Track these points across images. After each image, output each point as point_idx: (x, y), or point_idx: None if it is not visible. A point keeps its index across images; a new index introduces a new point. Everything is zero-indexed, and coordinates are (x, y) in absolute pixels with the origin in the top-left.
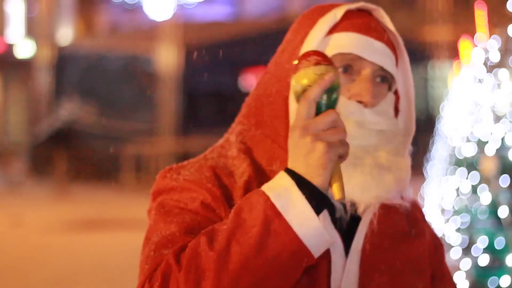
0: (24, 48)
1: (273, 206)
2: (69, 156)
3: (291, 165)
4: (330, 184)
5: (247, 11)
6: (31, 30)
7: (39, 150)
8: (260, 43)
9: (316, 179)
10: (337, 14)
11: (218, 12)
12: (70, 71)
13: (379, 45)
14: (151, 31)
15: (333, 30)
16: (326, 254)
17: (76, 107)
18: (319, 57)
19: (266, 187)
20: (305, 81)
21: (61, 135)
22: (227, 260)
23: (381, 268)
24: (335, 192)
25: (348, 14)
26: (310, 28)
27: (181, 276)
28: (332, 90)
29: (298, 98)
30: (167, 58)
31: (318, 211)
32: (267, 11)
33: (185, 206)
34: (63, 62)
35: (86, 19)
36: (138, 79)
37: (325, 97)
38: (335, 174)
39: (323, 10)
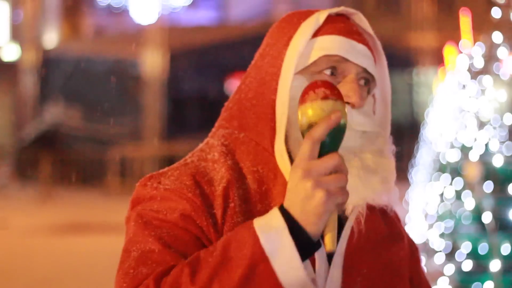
0: (10, 51)
1: (261, 249)
2: (54, 159)
3: (287, 204)
4: (323, 233)
5: (232, 16)
6: (17, 33)
7: (24, 153)
8: (245, 48)
9: (310, 226)
10: (319, 18)
11: (204, 16)
12: (55, 74)
13: (361, 47)
14: (136, 35)
15: (316, 33)
16: (311, 259)
17: (61, 111)
18: (327, 90)
19: (258, 225)
20: (311, 117)
21: (46, 139)
22: None
23: (363, 272)
24: (327, 243)
25: (329, 19)
26: (293, 32)
27: None
28: (338, 129)
29: (303, 132)
30: (153, 62)
31: (306, 256)
32: (252, 16)
33: (164, 217)
34: (49, 66)
35: (72, 23)
36: (124, 83)
37: (330, 136)
38: (329, 223)
39: (303, 14)
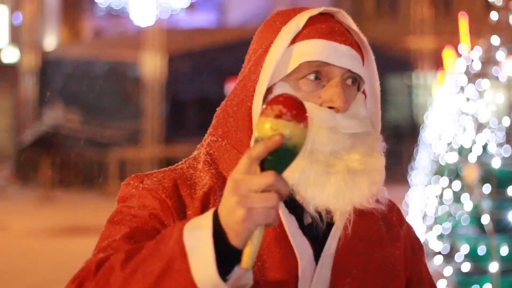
0: (9, 54)
1: (182, 245)
2: (54, 161)
3: (219, 209)
4: (243, 247)
5: (231, 18)
6: (16, 36)
7: (24, 156)
8: (244, 50)
9: (230, 239)
10: (299, 22)
11: (203, 19)
12: (55, 77)
13: (344, 48)
14: (136, 38)
15: (296, 38)
16: (293, 262)
17: (61, 113)
18: (284, 109)
19: (189, 222)
20: (260, 132)
21: (46, 141)
22: (129, 286)
23: (353, 273)
24: (243, 258)
25: (310, 20)
26: (274, 37)
27: (90, 286)
28: (284, 151)
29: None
30: (152, 65)
31: (227, 264)
32: (251, 18)
33: (136, 212)
34: (48, 68)
35: (71, 25)
36: (123, 85)
37: (274, 156)
38: (251, 239)
39: (285, 16)
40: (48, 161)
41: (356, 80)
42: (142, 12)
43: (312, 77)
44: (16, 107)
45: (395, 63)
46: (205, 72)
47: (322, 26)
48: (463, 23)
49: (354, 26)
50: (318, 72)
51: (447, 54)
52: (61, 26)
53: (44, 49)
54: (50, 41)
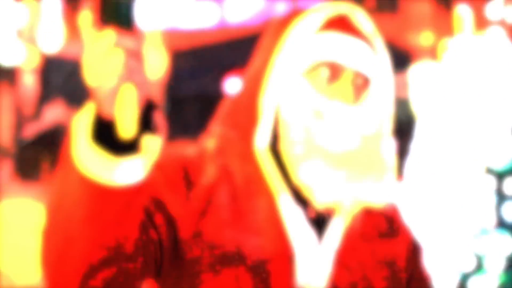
0: (11, 53)
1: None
2: (55, 159)
3: None
4: None
5: (231, 16)
6: (18, 35)
7: (25, 154)
8: (245, 48)
9: None
10: (316, 18)
11: (203, 16)
12: (56, 74)
13: (358, 47)
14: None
15: (312, 33)
16: (289, 257)
17: (62, 111)
18: None
19: None
20: None
21: (47, 139)
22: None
23: (352, 267)
24: None
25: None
26: (289, 31)
27: None
28: None
29: None
30: (152, 62)
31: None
32: (251, 16)
33: None
34: (50, 66)
35: (73, 24)
36: None
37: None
38: None
39: (300, 13)
40: (49, 159)
41: (367, 80)
42: (143, 14)
43: (323, 72)
44: (18, 105)
45: (395, 59)
46: (206, 69)
47: (338, 23)
48: (462, 16)
49: (369, 26)
50: (331, 68)
51: (445, 48)
52: (63, 25)
53: (46, 47)
54: (52, 40)
